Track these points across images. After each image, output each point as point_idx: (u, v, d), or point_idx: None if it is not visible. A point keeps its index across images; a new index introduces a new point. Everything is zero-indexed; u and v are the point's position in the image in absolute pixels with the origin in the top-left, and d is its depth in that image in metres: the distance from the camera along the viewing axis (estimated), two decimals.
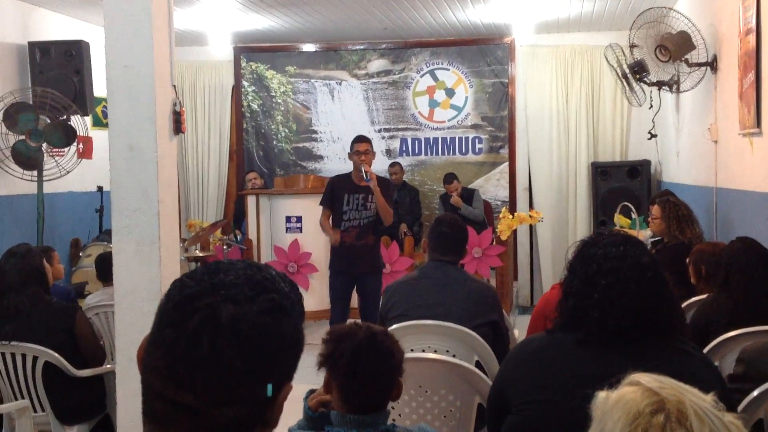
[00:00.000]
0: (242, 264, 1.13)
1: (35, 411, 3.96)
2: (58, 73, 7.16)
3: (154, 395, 1.07)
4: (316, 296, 7.23)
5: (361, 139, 6.04)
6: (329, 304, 6.20)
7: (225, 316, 1.05)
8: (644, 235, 5.87)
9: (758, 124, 4.60)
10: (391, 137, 9.69)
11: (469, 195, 8.71)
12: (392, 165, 9.31)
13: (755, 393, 2.43)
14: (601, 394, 1.26)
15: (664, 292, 2.14)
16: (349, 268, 5.91)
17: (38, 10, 7.64)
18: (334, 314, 5.91)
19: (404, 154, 9.65)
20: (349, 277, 5.96)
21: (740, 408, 2.40)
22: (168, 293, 1.10)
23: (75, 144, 7.01)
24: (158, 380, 1.07)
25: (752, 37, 4.67)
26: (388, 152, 9.67)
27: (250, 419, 1.09)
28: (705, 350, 3.07)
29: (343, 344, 2.13)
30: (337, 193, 5.98)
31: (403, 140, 9.66)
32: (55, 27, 7.82)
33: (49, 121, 6.88)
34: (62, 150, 7.02)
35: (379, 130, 9.70)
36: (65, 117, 6.99)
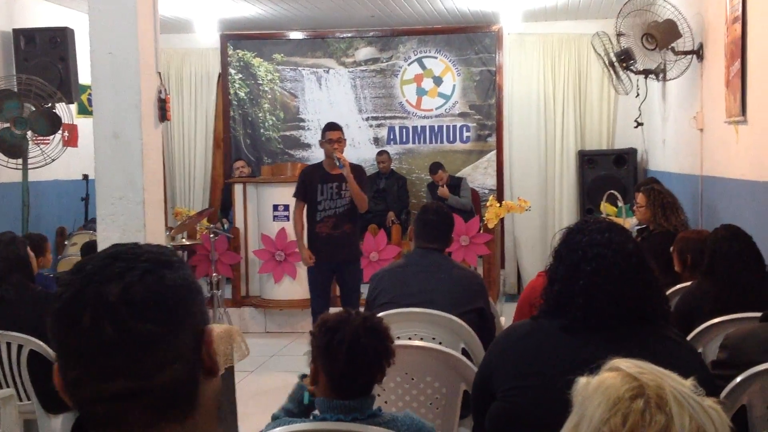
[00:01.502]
0: (101, 252, 1.13)
1: (20, 400, 3.94)
2: (43, 61, 7.11)
3: (91, 404, 1.07)
4: (303, 284, 7.18)
5: (333, 127, 5.97)
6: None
7: (112, 294, 1.05)
8: (630, 222, 5.89)
9: (743, 112, 4.62)
10: (378, 125, 9.68)
11: (456, 183, 8.72)
12: (380, 153, 9.30)
13: (738, 379, 2.44)
14: (582, 380, 1.26)
15: (647, 278, 2.15)
16: (328, 257, 5.87)
17: None
18: (315, 304, 5.86)
19: (392, 142, 9.64)
20: (327, 267, 5.92)
21: (723, 394, 2.41)
22: (49, 319, 1.10)
23: (60, 132, 6.97)
24: (86, 389, 1.06)
25: (738, 26, 4.69)
26: (376, 140, 9.66)
27: (188, 373, 1.09)
28: (689, 337, 3.09)
29: (340, 333, 2.14)
30: (309, 184, 5.90)
31: (391, 128, 9.65)
32: (41, 14, 7.76)
33: (34, 108, 6.83)
34: (47, 138, 6.97)
35: (367, 119, 9.69)
36: (50, 105, 6.94)
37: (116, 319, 1.04)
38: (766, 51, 4.30)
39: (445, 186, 8.53)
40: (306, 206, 5.95)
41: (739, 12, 4.67)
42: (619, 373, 1.23)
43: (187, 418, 1.10)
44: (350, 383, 2.12)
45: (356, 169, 5.91)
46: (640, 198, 5.22)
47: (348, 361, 2.10)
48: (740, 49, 4.65)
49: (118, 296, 1.05)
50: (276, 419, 2.30)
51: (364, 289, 6.18)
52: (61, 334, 1.08)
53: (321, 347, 2.15)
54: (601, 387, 1.22)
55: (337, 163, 5.74)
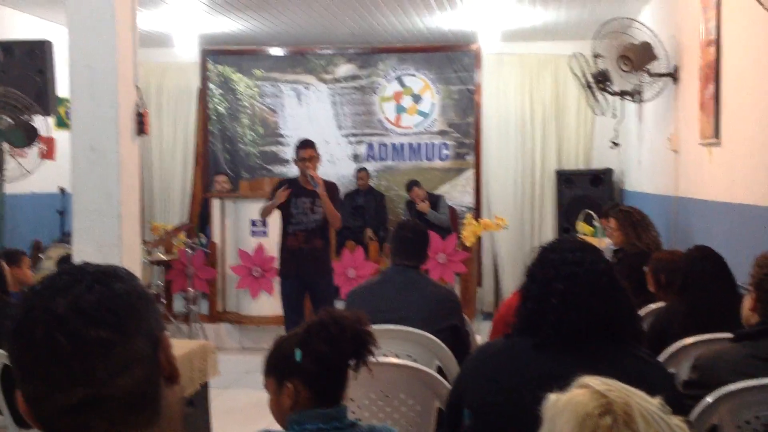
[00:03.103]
0: (47, 275, 1.15)
1: None
2: (21, 73, 7.05)
3: (54, 420, 1.07)
4: (280, 301, 7.20)
5: (305, 145, 5.97)
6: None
7: (61, 307, 1.06)
8: (606, 242, 5.93)
9: (717, 134, 4.69)
10: (357, 142, 9.70)
11: (435, 201, 8.75)
12: (359, 170, 9.32)
13: (709, 399, 2.46)
14: (552, 397, 1.28)
15: (619, 297, 2.18)
16: (298, 272, 5.89)
17: (1, 9, 7.55)
18: (288, 320, 5.86)
19: (371, 159, 9.66)
20: (299, 282, 5.94)
21: (694, 414, 2.43)
22: (5, 341, 1.11)
23: (37, 144, 6.92)
24: (47, 404, 1.07)
25: (713, 49, 4.76)
26: (355, 157, 9.68)
27: (147, 377, 1.10)
28: (661, 357, 3.11)
29: (307, 332, 2.12)
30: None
31: (370, 145, 9.68)
32: (19, 26, 7.73)
33: (11, 121, 6.78)
34: (24, 150, 6.92)
35: (346, 135, 9.71)
36: (27, 117, 6.90)
37: (68, 330, 1.05)
38: (740, 74, 4.37)
39: (426, 201, 8.55)
40: (280, 218, 5.97)
41: (714, 35, 4.74)
42: (587, 390, 1.25)
43: (150, 424, 1.10)
44: (334, 387, 2.09)
45: (329, 186, 5.93)
46: (612, 222, 5.25)
47: (332, 349, 2.08)
48: (714, 72, 4.72)
49: (67, 308, 1.06)
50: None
51: (338, 304, 6.20)
52: (17, 352, 1.09)
53: (291, 359, 2.11)
54: (570, 404, 1.24)
55: (311, 182, 5.75)
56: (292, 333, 2.20)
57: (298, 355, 2.08)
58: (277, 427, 2.17)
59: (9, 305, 4.06)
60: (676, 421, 1.22)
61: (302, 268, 5.88)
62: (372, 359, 2.15)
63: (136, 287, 1.13)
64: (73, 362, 1.05)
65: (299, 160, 5.90)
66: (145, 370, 1.10)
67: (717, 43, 4.69)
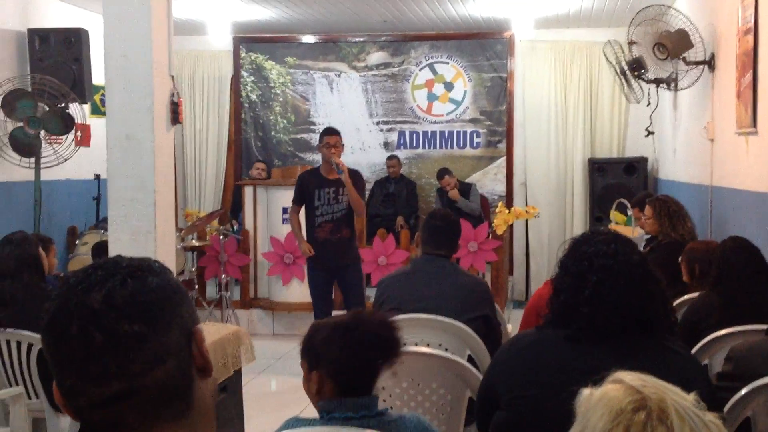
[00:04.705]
0: (81, 269, 1.16)
1: (30, 398, 3.97)
2: (57, 61, 7.16)
3: (89, 412, 1.09)
4: None
5: (331, 132, 5.94)
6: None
7: (95, 302, 1.08)
8: (639, 232, 5.89)
9: (754, 123, 4.62)
10: (389, 130, 9.70)
11: (466, 189, 8.73)
12: (390, 158, 9.32)
13: (743, 392, 2.44)
14: (585, 391, 1.28)
15: (653, 290, 2.17)
16: (327, 263, 5.87)
17: None
18: (317, 309, 5.86)
19: (402, 147, 9.66)
20: (327, 272, 5.92)
21: (728, 406, 2.42)
22: (41, 334, 1.13)
23: (73, 132, 7.01)
24: (82, 397, 1.09)
25: (750, 37, 4.68)
26: (386, 145, 9.68)
27: (180, 370, 1.11)
28: (695, 348, 3.09)
29: (333, 332, 2.14)
30: (306, 189, 5.89)
31: (401, 133, 9.67)
32: (55, 14, 7.81)
33: (47, 108, 6.88)
34: (60, 137, 7.02)
35: (377, 123, 9.71)
36: (63, 105, 6.99)
37: (102, 324, 1.07)
38: None
39: (455, 189, 8.54)
40: (304, 210, 5.95)
41: (752, 23, 4.67)
42: (621, 385, 1.25)
43: (182, 417, 1.12)
44: (358, 378, 2.10)
45: (354, 174, 5.90)
46: (647, 210, 5.21)
47: (344, 354, 2.09)
48: (752, 61, 4.65)
49: (102, 302, 1.08)
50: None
51: (368, 291, 6.23)
52: (53, 346, 1.11)
53: (317, 352, 2.13)
54: (604, 399, 1.24)
55: (336, 169, 5.73)
56: (325, 324, 2.21)
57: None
58: (306, 413, 2.20)
59: (46, 293, 4.13)
60: (710, 417, 1.22)
61: (331, 258, 5.86)
62: (399, 358, 2.16)
63: (169, 281, 1.14)
64: (107, 356, 1.07)
65: (324, 147, 5.84)
66: (178, 364, 1.11)
67: (755, 31, 4.62)
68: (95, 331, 1.07)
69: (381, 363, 2.13)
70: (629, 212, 6.88)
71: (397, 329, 2.17)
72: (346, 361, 2.10)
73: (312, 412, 2.18)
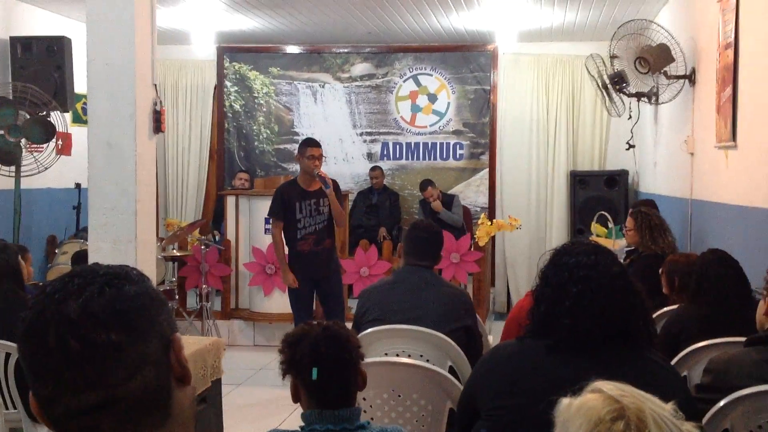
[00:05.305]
0: (58, 277, 1.15)
1: (7, 408, 3.93)
2: (39, 69, 7.12)
3: (66, 421, 1.08)
4: None
5: (314, 143, 5.89)
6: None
7: (72, 311, 1.07)
8: (620, 244, 5.92)
9: (734, 137, 4.66)
10: (372, 141, 9.71)
11: (448, 201, 8.75)
12: (373, 169, 9.33)
13: (721, 403, 2.46)
14: (564, 401, 1.28)
15: (633, 301, 2.18)
16: (310, 274, 5.85)
17: (21, 5, 7.60)
18: (298, 320, 5.83)
19: (385, 158, 9.67)
20: (309, 282, 5.90)
21: (706, 418, 2.43)
22: (17, 343, 1.12)
23: (54, 140, 6.97)
24: (59, 406, 1.07)
25: (731, 52, 4.73)
26: (369, 156, 9.69)
27: (158, 379, 1.10)
28: (674, 360, 3.11)
29: (302, 344, 2.15)
30: (288, 203, 5.82)
31: (385, 144, 9.69)
32: (38, 22, 7.78)
33: (28, 116, 6.84)
34: (41, 146, 6.98)
35: (361, 134, 9.72)
36: (45, 113, 6.95)
37: (79, 333, 1.06)
38: (758, 77, 4.35)
39: (438, 201, 8.56)
40: (284, 225, 5.89)
41: (732, 38, 4.72)
42: (600, 395, 1.25)
43: (161, 426, 1.11)
44: (324, 394, 2.13)
45: (334, 185, 5.87)
46: (628, 222, 5.25)
47: (312, 370, 2.12)
48: (732, 75, 4.69)
49: (79, 311, 1.07)
50: None
51: (351, 302, 6.22)
52: (30, 355, 1.09)
53: (287, 362, 2.17)
54: (582, 408, 1.24)
55: (323, 183, 5.69)
56: (297, 333, 2.22)
57: (314, 373, 2.12)
58: (286, 425, 2.21)
59: (25, 303, 4.09)
60: (688, 426, 1.23)
61: (313, 269, 5.84)
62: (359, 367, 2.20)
63: (147, 289, 1.13)
64: (84, 366, 1.06)
65: (306, 158, 5.79)
66: (157, 372, 1.10)
67: (735, 45, 4.67)
68: (72, 340, 1.05)
69: (346, 379, 2.14)
70: (610, 224, 6.92)
71: (352, 341, 2.19)
72: (309, 381, 2.12)
73: (292, 424, 2.18)
